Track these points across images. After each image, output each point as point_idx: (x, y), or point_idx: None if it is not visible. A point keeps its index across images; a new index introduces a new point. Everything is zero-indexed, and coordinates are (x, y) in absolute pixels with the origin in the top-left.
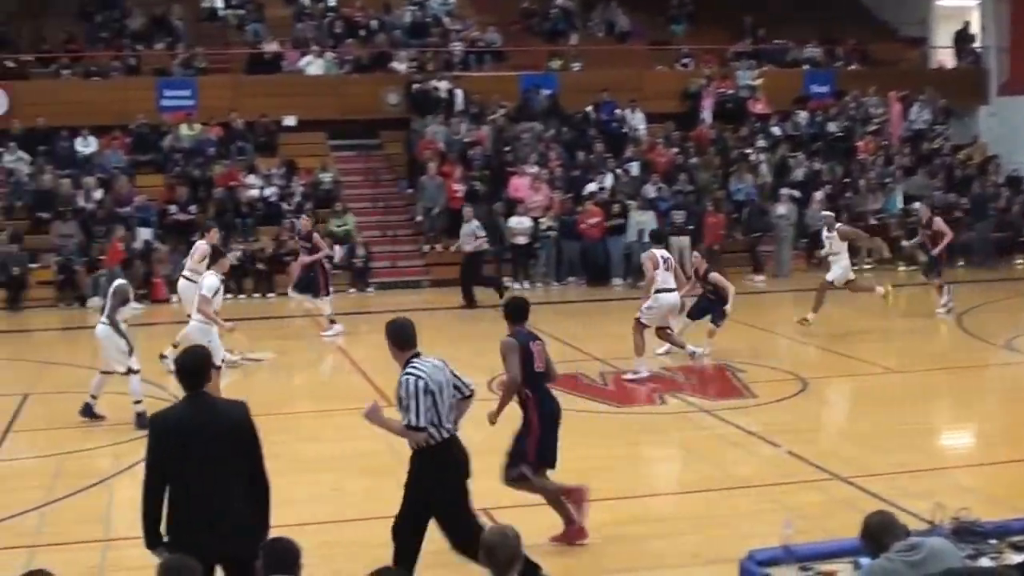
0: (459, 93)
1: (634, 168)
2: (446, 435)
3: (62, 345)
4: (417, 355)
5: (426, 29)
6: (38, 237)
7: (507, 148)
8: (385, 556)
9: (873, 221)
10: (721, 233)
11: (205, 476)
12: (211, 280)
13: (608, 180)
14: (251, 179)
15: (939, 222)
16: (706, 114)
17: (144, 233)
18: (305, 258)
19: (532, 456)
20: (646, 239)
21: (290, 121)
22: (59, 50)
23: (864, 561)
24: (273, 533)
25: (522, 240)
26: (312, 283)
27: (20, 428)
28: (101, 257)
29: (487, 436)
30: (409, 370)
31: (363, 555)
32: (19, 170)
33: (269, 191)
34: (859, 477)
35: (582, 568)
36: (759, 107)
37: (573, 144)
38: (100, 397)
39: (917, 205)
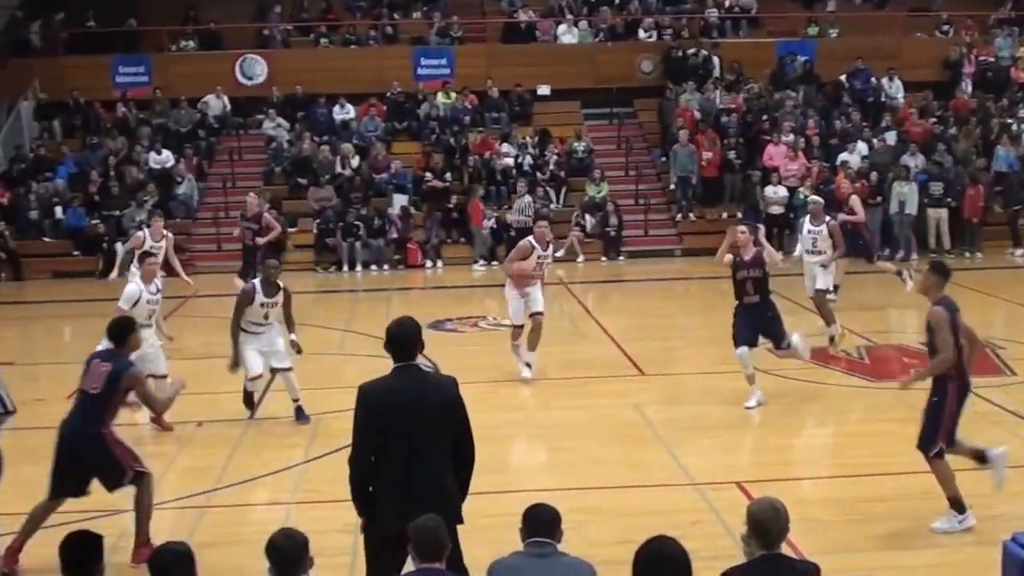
0: (715, 60)
1: (890, 138)
2: None
3: (318, 308)
4: None
5: None
6: (296, 202)
7: (764, 117)
8: (637, 524)
9: None
10: (980, 206)
11: (410, 449)
12: (129, 289)
13: (863, 149)
14: (505, 147)
15: (855, 200)
16: (966, 83)
17: (399, 200)
18: (258, 239)
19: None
20: (907, 211)
21: (544, 90)
22: (317, 19)
23: None
24: (526, 500)
25: (777, 210)
26: (252, 268)
27: (278, 388)
28: (357, 223)
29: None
30: None
31: (615, 523)
32: (278, 136)
33: (523, 159)
34: None
35: (840, 544)
36: (1022, 76)
37: (829, 112)
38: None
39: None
